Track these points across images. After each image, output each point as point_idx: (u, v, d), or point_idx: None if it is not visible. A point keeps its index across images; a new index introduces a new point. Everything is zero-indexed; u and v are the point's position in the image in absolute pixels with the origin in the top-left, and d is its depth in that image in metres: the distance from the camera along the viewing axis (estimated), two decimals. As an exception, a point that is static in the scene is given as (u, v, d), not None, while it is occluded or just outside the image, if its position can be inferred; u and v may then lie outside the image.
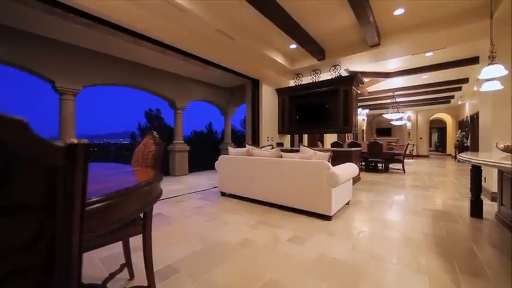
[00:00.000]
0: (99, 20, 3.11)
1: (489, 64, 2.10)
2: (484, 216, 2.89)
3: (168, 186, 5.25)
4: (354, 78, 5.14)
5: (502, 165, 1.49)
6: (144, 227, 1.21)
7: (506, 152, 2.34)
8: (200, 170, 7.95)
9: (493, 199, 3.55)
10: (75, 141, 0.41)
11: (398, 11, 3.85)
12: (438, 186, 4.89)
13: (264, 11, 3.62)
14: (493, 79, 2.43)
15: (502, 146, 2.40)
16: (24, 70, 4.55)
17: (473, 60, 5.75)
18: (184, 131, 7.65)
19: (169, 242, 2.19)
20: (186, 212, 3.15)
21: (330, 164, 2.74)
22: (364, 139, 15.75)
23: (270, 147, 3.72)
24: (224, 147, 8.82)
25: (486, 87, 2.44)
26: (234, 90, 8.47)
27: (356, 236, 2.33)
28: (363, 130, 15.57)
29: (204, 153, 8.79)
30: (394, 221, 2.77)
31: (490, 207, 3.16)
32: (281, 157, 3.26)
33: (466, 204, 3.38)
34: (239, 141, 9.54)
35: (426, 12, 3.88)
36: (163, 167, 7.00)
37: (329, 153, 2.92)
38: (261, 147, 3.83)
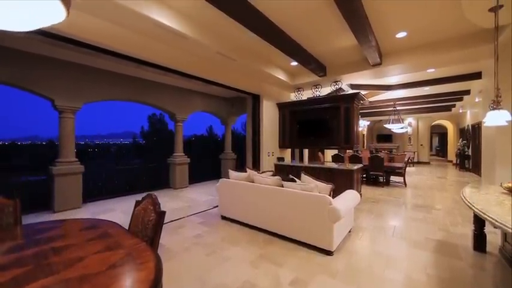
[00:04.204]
0: (100, 49, 3.09)
1: (494, 109, 2.08)
2: (487, 249, 2.85)
3: (169, 203, 5.23)
4: (355, 96, 5.10)
5: (509, 229, 1.46)
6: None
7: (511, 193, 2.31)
8: (201, 181, 7.93)
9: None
10: None
11: (401, 34, 3.81)
12: (440, 205, 4.86)
13: (265, 35, 3.59)
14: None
15: (507, 185, 2.37)
16: (23, 90, 4.52)
17: (476, 76, 5.71)
18: (185, 131, 7.62)
19: (169, 288, 2.16)
20: (186, 243, 3.12)
21: (331, 198, 2.72)
22: (365, 145, 15.73)
23: (271, 173, 3.69)
24: (224, 157, 8.81)
25: (490, 122, 2.39)
26: (234, 101, 8.44)
27: (358, 278, 2.30)
28: (363, 135, 15.54)
29: (205, 162, 8.76)
30: (397, 256, 2.73)
31: (493, 237, 3.11)
32: (282, 186, 3.23)
33: (468, 232, 3.34)
34: (240, 148, 9.40)
35: (428, 35, 3.85)
36: (164, 180, 6.99)
37: (330, 185, 2.89)
38: (262, 172, 3.80)
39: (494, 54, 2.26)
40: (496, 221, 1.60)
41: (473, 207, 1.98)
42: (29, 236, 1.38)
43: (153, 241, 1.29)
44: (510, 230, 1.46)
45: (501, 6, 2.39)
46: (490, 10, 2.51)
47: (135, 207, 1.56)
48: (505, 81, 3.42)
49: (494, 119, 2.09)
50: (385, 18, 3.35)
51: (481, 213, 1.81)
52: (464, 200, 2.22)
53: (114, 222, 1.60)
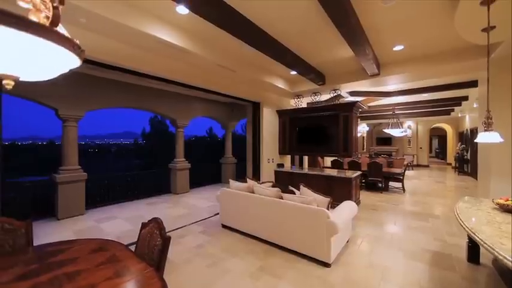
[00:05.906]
0: (103, 65, 3.17)
1: (485, 130, 2.16)
2: (481, 260, 2.93)
3: (169, 209, 5.32)
4: (354, 105, 5.18)
5: (500, 256, 1.53)
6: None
7: (503, 209, 2.39)
8: (201, 185, 8.02)
9: (491, 236, 3.59)
10: None
11: (398, 47, 3.89)
12: (437, 213, 4.94)
13: (264, 49, 3.66)
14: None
15: (498, 201, 2.45)
16: (28, 100, 4.60)
17: (473, 84, 5.79)
18: (186, 131, 7.71)
19: (172, 301, 2.24)
20: (187, 254, 3.20)
21: (329, 212, 2.79)
22: (365, 147, 15.79)
23: (271, 183, 3.77)
24: (225, 161, 8.89)
25: (483, 139, 2.46)
26: (234, 106, 8.52)
27: (354, 291, 2.38)
28: (363, 137, 15.60)
29: (205, 166, 8.82)
30: (393, 268, 2.81)
31: (487, 248, 3.20)
32: (281, 198, 3.31)
33: (463, 243, 3.40)
34: (240, 150, 9.44)
35: (425, 49, 3.93)
36: (165, 185, 7.06)
37: (328, 199, 2.97)
38: (262, 183, 3.88)
39: (487, 72, 2.33)
40: (485, 243, 1.67)
41: (464, 226, 2.06)
42: (41, 260, 1.46)
43: (159, 266, 1.37)
44: (495, 253, 1.54)
45: (492, 27, 2.47)
46: (483, 30, 2.58)
47: (141, 229, 1.64)
48: (503, 92, 3.51)
49: (486, 139, 2.17)
50: (382, 34, 3.43)
51: (471, 232, 1.89)
52: (457, 217, 2.30)
53: (121, 243, 1.69)
